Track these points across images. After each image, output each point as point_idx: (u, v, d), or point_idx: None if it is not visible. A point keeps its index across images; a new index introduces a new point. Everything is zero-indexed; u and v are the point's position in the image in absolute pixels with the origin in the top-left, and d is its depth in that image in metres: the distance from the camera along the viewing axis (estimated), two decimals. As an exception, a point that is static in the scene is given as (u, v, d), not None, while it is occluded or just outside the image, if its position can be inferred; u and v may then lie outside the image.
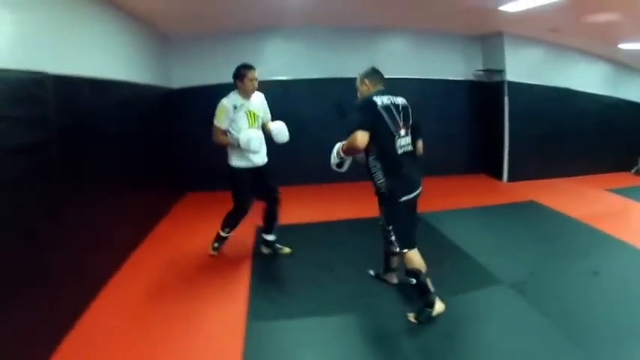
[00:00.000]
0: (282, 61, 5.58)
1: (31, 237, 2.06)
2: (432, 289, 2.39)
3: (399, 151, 2.37)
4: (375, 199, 2.54)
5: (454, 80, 6.15)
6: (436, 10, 4.69)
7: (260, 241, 3.48)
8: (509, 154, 5.92)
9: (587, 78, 6.32)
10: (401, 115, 2.38)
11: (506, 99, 5.77)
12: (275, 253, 3.42)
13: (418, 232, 2.52)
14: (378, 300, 2.68)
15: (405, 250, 2.41)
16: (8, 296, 1.83)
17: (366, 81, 2.51)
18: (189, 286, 2.95)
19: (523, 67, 5.80)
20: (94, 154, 2.91)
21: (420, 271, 2.37)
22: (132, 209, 3.63)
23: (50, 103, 2.30)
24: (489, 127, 6.20)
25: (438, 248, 3.43)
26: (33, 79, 2.16)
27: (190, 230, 4.08)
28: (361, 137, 2.22)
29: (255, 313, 2.55)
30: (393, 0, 4.35)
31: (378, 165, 2.37)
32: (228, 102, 3.05)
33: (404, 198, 2.37)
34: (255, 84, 3.08)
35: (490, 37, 5.91)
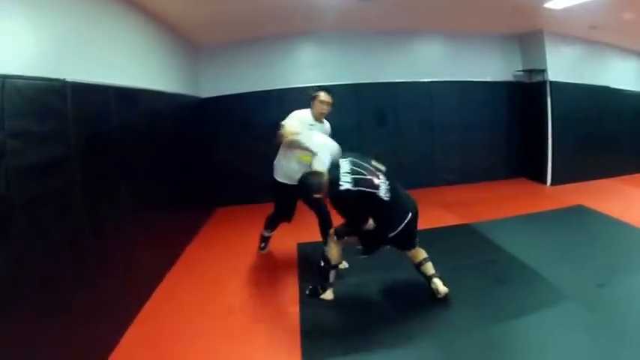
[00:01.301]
0: (315, 67, 5.48)
1: (52, 262, 1.85)
2: (331, 280, 2.77)
3: None
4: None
5: (493, 82, 5.97)
6: (479, 10, 4.55)
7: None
8: (553, 157, 5.71)
9: (623, 74, 6.16)
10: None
11: (548, 99, 5.56)
12: None
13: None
14: (448, 325, 2.50)
15: (337, 238, 2.67)
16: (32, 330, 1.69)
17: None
18: (231, 318, 2.71)
19: (564, 65, 5.60)
20: (121, 171, 2.66)
21: (332, 263, 2.71)
22: (162, 228, 3.38)
23: (69, 115, 2.07)
24: (530, 129, 6.00)
25: (497, 262, 3.29)
26: (50, 88, 1.95)
27: (225, 249, 3.89)
28: None
29: (311, 351, 2.27)
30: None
31: None
32: (300, 114, 3.10)
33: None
34: (325, 107, 3.10)
35: (530, 36, 5.71)
